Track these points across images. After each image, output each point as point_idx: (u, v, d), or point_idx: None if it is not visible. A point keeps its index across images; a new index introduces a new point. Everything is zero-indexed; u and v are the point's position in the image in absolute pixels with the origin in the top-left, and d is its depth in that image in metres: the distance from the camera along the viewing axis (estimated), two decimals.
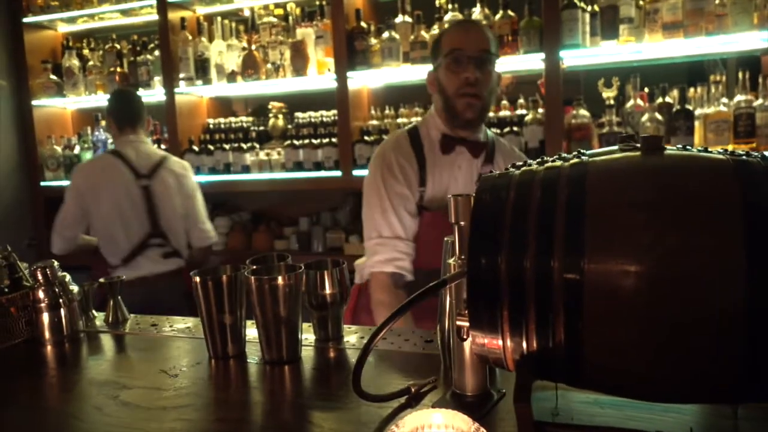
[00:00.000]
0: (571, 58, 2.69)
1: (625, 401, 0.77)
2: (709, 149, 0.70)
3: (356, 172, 2.96)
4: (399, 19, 2.95)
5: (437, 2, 2.91)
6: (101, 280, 1.38)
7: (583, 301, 0.62)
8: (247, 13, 3.44)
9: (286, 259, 1.19)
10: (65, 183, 3.08)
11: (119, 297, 1.38)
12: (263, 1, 3.31)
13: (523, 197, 0.68)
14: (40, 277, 1.25)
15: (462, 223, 0.82)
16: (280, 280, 1.03)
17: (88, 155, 3.61)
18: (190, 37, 3.32)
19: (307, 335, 1.19)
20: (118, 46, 3.65)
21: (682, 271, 0.60)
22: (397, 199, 1.81)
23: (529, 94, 2.92)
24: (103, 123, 3.71)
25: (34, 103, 3.72)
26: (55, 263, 1.28)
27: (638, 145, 0.71)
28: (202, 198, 2.91)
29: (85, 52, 3.74)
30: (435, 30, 2.86)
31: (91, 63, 3.65)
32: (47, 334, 1.25)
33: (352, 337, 1.18)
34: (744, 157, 0.65)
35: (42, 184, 3.75)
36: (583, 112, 2.70)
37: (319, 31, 3.05)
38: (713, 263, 0.60)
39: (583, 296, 0.62)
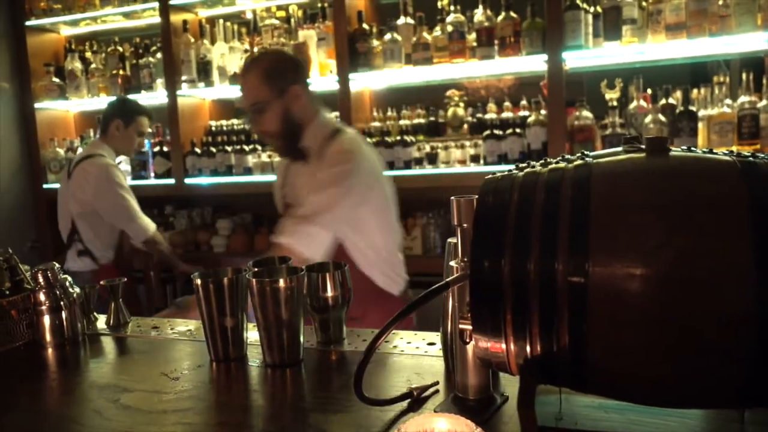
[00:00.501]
0: (574, 60, 2.68)
1: (629, 406, 0.76)
2: (715, 151, 0.69)
3: None
4: (401, 20, 2.95)
5: (439, 4, 2.91)
6: (102, 282, 1.38)
7: (587, 304, 0.61)
8: (249, 16, 3.44)
9: (288, 261, 1.18)
10: None
11: (120, 299, 1.38)
12: (265, 4, 3.32)
13: (526, 199, 0.67)
14: (41, 279, 1.25)
15: (465, 225, 0.81)
16: (281, 282, 1.02)
17: None
18: (193, 40, 3.32)
19: (309, 338, 1.18)
20: (120, 49, 3.65)
21: (689, 275, 0.59)
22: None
23: (531, 95, 2.91)
24: None
25: (36, 105, 3.72)
26: (56, 266, 1.28)
27: (643, 146, 0.70)
28: (127, 196, 2.88)
29: (88, 54, 3.74)
30: (437, 32, 2.85)
31: (93, 66, 3.66)
32: (48, 337, 1.25)
33: (354, 339, 1.17)
34: (751, 158, 0.64)
35: (44, 186, 3.75)
36: (586, 113, 2.70)
37: (321, 33, 3.05)
38: (720, 266, 0.59)
39: (587, 299, 0.61)
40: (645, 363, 0.63)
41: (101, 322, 1.39)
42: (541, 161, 0.75)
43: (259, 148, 3.31)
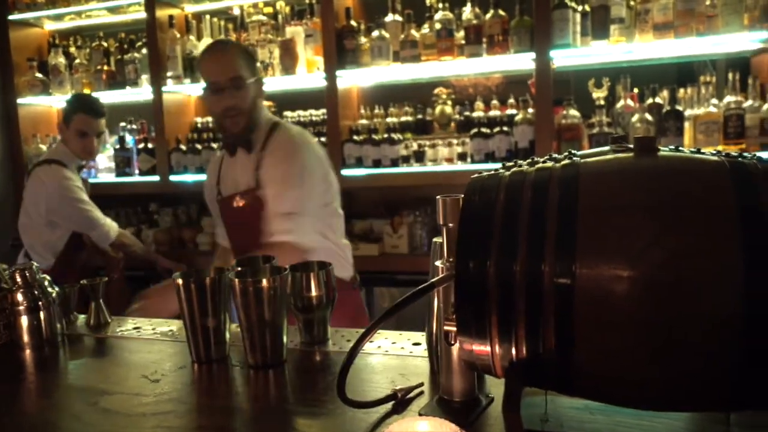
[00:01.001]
0: (562, 58, 2.68)
1: (615, 408, 0.75)
2: (703, 150, 0.68)
3: (345, 172, 2.94)
4: (389, 17, 2.93)
5: (427, 1, 2.89)
6: (83, 281, 1.35)
7: (574, 306, 0.60)
8: (236, 12, 3.40)
9: (272, 261, 1.17)
10: None
11: (101, 299, 1.35)
12: (252, 0, 3.28)
13: (513, 199, 0.66)
14: (18, 279, 1.22)
15: (450, 224, 0.80)
16: (264, 282, 1.00)
17: None
18: (179, 35, 3.28)
19: (293, 338, 1.16)
20: (105, 44, 3.60)
21: (677, 276, 0.58)
22: None
23: (519, 94, 2.91)
24: None
25: (19, 101, 3.66)
26: (35, 265, 1.25)
27: (631, 146, 0.69)
28: (85, 207, 2.67)
29: (72, 50, 3.69)
30: (426, 29, 2.84)
31: (77, 61, 3.60)
32: (26, 338, 1.22)
33: (339, 340, 1.16)
34: (740, 158, 0.64)
35: None
36: (573, 112, 2.70)
37: (308, 30, 3.03)
38: (709, 268, 0.58)
39: (574, 301, 0.60)
40: (632, 366, 0.62)
41: (81, 322, 1.36)
42: (528, 160, 0.74)
43: None
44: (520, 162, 0.74)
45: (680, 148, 0.70)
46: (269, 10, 3.23)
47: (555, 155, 0.73)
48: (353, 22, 2.95)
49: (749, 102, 2.52)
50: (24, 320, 1.21)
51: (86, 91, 3.52)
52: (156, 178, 3.38)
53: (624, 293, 0.59)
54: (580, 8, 2.62)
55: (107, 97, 3.55)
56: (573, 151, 0.72)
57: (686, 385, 0.63)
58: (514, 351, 0.64)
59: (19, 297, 1.21)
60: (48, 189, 2.62)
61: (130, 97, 3.53)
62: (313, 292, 1.12)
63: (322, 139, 3.07)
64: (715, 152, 0.67)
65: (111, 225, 2.79)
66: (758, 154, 0.68)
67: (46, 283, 1.26)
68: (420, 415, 0.82)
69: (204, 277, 1.06)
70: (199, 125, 3.47)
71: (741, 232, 0.58)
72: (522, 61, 2.74)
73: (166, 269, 2.98)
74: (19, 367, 1.15)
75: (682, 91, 2.71)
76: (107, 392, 0.98)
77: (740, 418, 0.75)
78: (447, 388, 0.84)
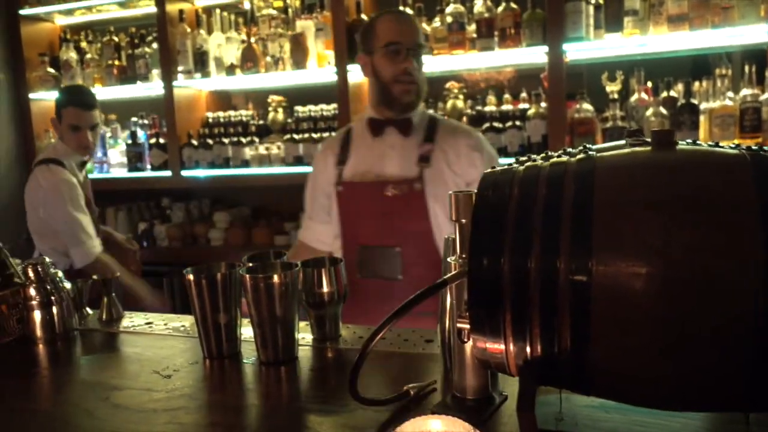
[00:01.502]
0: (575, 52, 2.65)
1: (631, 406, 0.74)
2: (721, 144, 0.66)
3: None
4: None
5: None
6: (95, 277, 1.35)
7: (590, 303, 0.59)
8: (246, 6, 3.40)
9: (283, 257, 1.16)
10: None
11: (113, 294, 1.35)
12: None
13: (527, 194, 0.64)
14: (31, 274, 1.22)
15: (463, 220, 0.79)
16: (275, 278, 1.00)
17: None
18: (189, 30, 3.28)
19: (305, 334, 1.16)
20: (116, 39, 3.61)
21: (696, 273, 0.57)
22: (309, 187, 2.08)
23: (531, 88, 2.88)
24: (101, 117, 3.67)
25: (31, 96, 3.68)
26: (47, 260, 1.25)
27: (648, 139, 0.68)
28: (77, 215, 2.49)
29: (83, 44, 3.70)
30: (437, 23, 2.82)
31: (88, 56, 3.61)
32: (39, 333, 1.23)
33: (351, 336, 1.15)
34: (761, 152, 0.62)
35: None
36: (587, 106, 2.67)
37: (319, 24, 3.01)
38: (729, 265, 0.57)
39: (590, 299, 0.59)
40: (648, 363, 0.61)
41: (94, 317, 1.37)
42: (542, 155, 0.72)
43: (257, 140, 3.28)
44: (534, 156, 0.73)
45: (698, 142, 0.68)
46: (279, 4, 3.22)
47: (570, 150, 0.71)
48: (364, 16, 2.93)
49: (766, 95, 2.48)
50: (37, 315, 1.22)
51: (98, 86, 3.53)
52: (168, 173, 3.39)
53: (641, 290, 0.58)
54: (593, 1, 2.58)
55: (118, 92, 3.57)
56: (588, 146, 0.71)
57: (702, 382, 0.61)
58: (528, 349, 0.63)
59: (32, 292, 1.22)
60: (44, 192, 2.49)
61: (141, 92, 3.54)
62: (325, 288, 1.11)
63: (333, 134, 3.06)
64: (734, 146, 0.65)
65: (92, 247, 2.52)
66: None
67: (59, 278, 1.26)
68: (432, 413, 0.81)
69: (215, 273, 1.06)
70: (210, 120, 3.47)
71: (762, 227, 0.57)
72: (534, 55, 2.71)
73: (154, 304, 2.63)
74: (32, 362, 1.15)
75: (697, 84, 2.67)
76: (119, 388, 0.98)
77: (760, 417, 0.73)
78: (460, 386, 0.83)
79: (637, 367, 0.62)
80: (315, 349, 1.11)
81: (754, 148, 0.64)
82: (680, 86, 2.59)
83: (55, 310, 1.23)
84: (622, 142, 0.70)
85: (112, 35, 3.63)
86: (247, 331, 1.09)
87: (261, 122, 3.36)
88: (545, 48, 2.60)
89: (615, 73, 2.69)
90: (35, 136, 3.72)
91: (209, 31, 3.30)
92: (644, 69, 2.68)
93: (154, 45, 3.39)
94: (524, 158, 0.73)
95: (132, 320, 1.34)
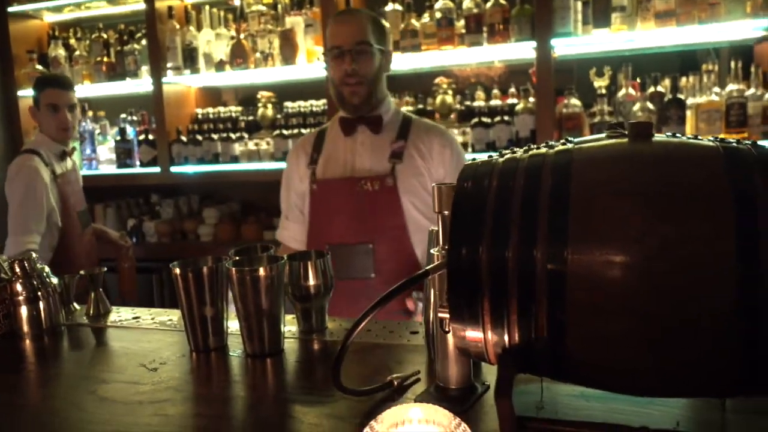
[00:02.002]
0: (563, 47, 2.66)
1: (611, 394, 0.75)
2: (699, 137, 0.68)
3: None
4: (389, 7, 2.92)
5: None
6: (82, 272, 1.35)
7: (566, 292, 0.60)
8: (236, 2, 3.39)
9: (270, 250, 1.17)
10: None
11: (101, 289, 1.36)
12: None
13: (505, 185, 0.65)
14: (17, 269, 1.22)
15: (446, 212, 0.79)
16: (261, 271, 1.00)
17: (74, 146, 3.56)
18: (178, 26, 3.27)
19: (291, 327, 1.17)
20: (104, 36, 3.59)
21: (669, 262, 0.58)
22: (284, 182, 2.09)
23: (520, 83, 2.89)
24: (90, 113, 3.66)
25: (19, 93, 3.66)
26: (34, 255, 1.25)
27: (626, 131, 0.69)
28: (27, 205, 2.45)
29: (72, 41, 3.68)
30: (426, 18, 2.82)
31: (77, 53, 3.59)
32: (26, 328, 1.23)
33: (337, 328, 1.16)
34: (734, 144, 0.63)
35: None
36: (575, 101, 2.68)
37: (308, 20, 3.01)
38: (701, 253, 0.58)
39: (566, 288, 0.60)
40: (624, 352, 0.62)
41: (81, 312, 1.37)
42: (524, 148, 0.73)
43: (246, 136, 3.27)
44: (516, 149, 0.74)
45: (676, 135, 0.69)
46: (269, 0, 3.22)
47: (551, 142, 0.72)
48: None
49: (751, 90, 2.50)
50: (23, 310, 1.22)
51: (87, 83, 3.52)
52: (157, 169, 3.39)
53: (615, 279, 0.59)
54: None
55: (107, 88, 3.55)
56: (569, 138, 0.72)
57: (680, 371, 0.63)
58: (506, 337, 0.64)
59: (18, 287, 1.22)
60: (11, 179, 2.48)
61: (130, 88, 3.53)
62: (311, 281, 1.12)
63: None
64: (711, 138, 0.67)
65: (24, 243, 2.39)
66: (760, 142, 0.67)
67: (46, 273, 1.26)
68: (415, 402, 0.82)
69: (201, 266, 1.06)
70: (199, 116, 3.46)
71: (735, 218, 0.58)
72: (523, 50, 2.72)
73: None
74: (19, 357, 1.15)
75: (684, 79, 2.70)
76: (106, 381, 0.98)
77: (736, 403, 0.75)
78: (443, 376, 0.84)
79: (612, 355, 0.63)
80: (301, 342, 1.12)
81: (728, 140, 0.66)
82: (667, 81, 2.62)
83: (42, 305, 1.23)
84: (602, 134, 0.71)
85: (101, 32, 3.61)
86: (233, 324, 1.10)
87: (250, 118, 3.36)
88: (533, 43, 2.61)
89: (603, 69, 2.71)
90: (23, 133, 3.69)
91: (198, 28, 3.30)
92: (632, 64, 2.70)
93: (143, 41, 3.38)
94: (506, 151, 0.74)
95: (119, 315, 1.34)
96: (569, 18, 2.55)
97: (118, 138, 3.50)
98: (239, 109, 3.42)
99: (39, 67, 3.62)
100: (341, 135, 1.95)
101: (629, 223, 0.60)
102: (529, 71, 2.81)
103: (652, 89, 2.63)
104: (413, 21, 2.83)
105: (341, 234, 1.86)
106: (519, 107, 2.76)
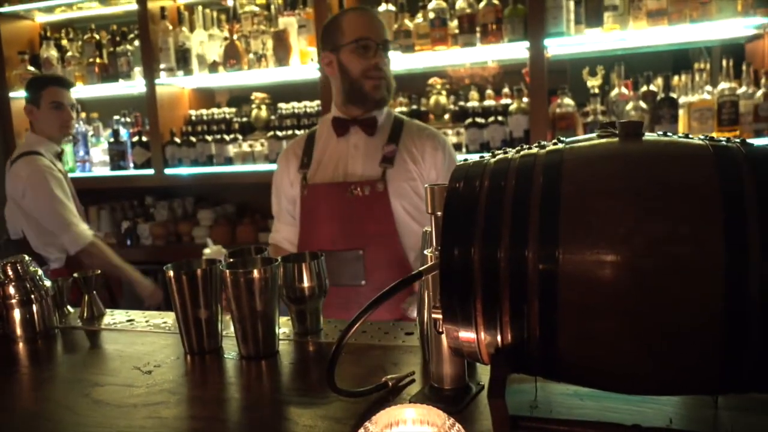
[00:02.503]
0: (556, 47, 2.67)
1: (604, 393, 0.75)
2: (689, 135, 0.68)
3: None
4: (382, 7, 2.92)
5: None
6: (75, 275, 1.35)
7: (558, 292, 0.60)
8: (229, 3, 3.38)
9: (264, 252, 1.17)
10: None
11: (94, 292, 1.35)
12: None
13: (497, 185, 0.66)
14: (10, 272, 1.22)
15: (439, 213, 0.80)
16: (255, 273, 1.00)
17: (67, 148, 3.55)
18: (171, 27, 3.26)
19: (286, 329, 1.17)
20: (97, 37, 3.58)
21: (659, 261, 0.59)
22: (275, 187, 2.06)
23: (513, 83, 2.90)
24: (83, 115, 3.64)
25: (11, 95, 3.64)
26: (27, 258, 1.25)
27: (616, 131, 0.69)
28: (63, 200, 2.51)
29: (64, 42, 3.66)
30: (419, 19, 2.83)
31: (69, 54, 3.58)
32: (19, 331, 1.22)
33: (332, 330, 1.16)
34: (724, 142, 0.64)
35: None
36: (568, 101, 2.69)
37: (301, 20, 3.01)
38: (691, 252, 0.58)
39: (557, 287, 0.60)
40: (615, 351, 0.63)
41: (75, 315, 1.36)
42: (516, 148, 0.74)
43: (240, 137, 3.27)
44: (507, 150, 0.74)
45: (667, 133, 0.69)
46: (262, 0, 3.21)
47: (543, 142, 0.73)
48: None
49: (743, 88, 2.52)
50: (17, 313, 1.21)
51: (79, 84, 3.51)
52: (151, 171, 3.38)
53: (606, 279, 0.59)
54: None
55: (100, 90, 3.54)
56: (561, 138, 0.72)
57: (672, 370, 0.63)
58: (499, 337, 0.64)
59: (11, 290, 1.21)
60: (24, 183, 2.47)
61: (123, 90, 3.52)
62: (305, 283, 1.12)
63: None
64: (701, 137, 0.67)
65: (82, 231, 2.54)
66: (750, 140, 0.67)
67: (39, 276, 1.26)
68: (410, 402, 0.82)
69: (195, 268, 1.06)
70: (193, 118, 3.46)
71: (724, 216, 0.58)
72: (516, 50, 2.73)
73: (146, 295, 2.66)
74: (12, 360, 1.15)
75: (676, 78, 2.71)
76: (100, 384, 0.98)
77: (728, 401, 0.75)
78: (437, 376, 0.84)
79: (604, 354, 0.63)
80: (296, 344, 1.12)
81: (718, 138, 0.66)
82: (660, 80, 2.63)
83: (35, 308, 1.23)
84: (593, 134, 0.71)
85: (93, 33, 3.60)
86: (228, 326, 1.10)
87: (244, 119, 3.36)
88: (526, 43, 2.62)
89: (596, 68, 2.72)
90: (15, 135, 3.68)
91: (191, 29, 3.29)
92: (625, 64, 2.71)
93: (136, 42, 3.37)
94: (498, 151, 0.74)
95: (113, 317, 1.34)
96: (562, 18, 2.56)
97: (112, 140, 3.49)
98: (233, 110, 3.42)
99: (31, 68, 3.61)
100: (333, 136, 1.93)
101: (619, 222, 0.60)
102: (523, 71, 2.82)
103: (644, 88, 2.65)
104: (406, 21, 2.84)
105: (331, 240, 1.84)
106: (512, 107, 2.76)
